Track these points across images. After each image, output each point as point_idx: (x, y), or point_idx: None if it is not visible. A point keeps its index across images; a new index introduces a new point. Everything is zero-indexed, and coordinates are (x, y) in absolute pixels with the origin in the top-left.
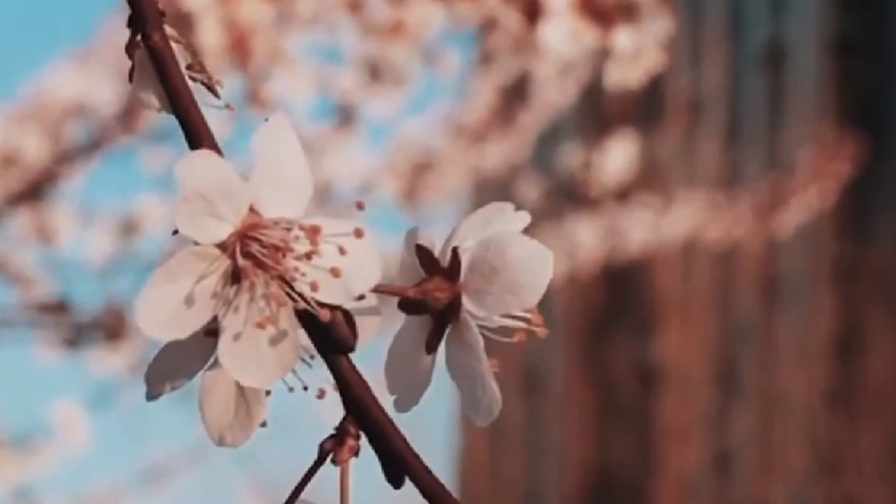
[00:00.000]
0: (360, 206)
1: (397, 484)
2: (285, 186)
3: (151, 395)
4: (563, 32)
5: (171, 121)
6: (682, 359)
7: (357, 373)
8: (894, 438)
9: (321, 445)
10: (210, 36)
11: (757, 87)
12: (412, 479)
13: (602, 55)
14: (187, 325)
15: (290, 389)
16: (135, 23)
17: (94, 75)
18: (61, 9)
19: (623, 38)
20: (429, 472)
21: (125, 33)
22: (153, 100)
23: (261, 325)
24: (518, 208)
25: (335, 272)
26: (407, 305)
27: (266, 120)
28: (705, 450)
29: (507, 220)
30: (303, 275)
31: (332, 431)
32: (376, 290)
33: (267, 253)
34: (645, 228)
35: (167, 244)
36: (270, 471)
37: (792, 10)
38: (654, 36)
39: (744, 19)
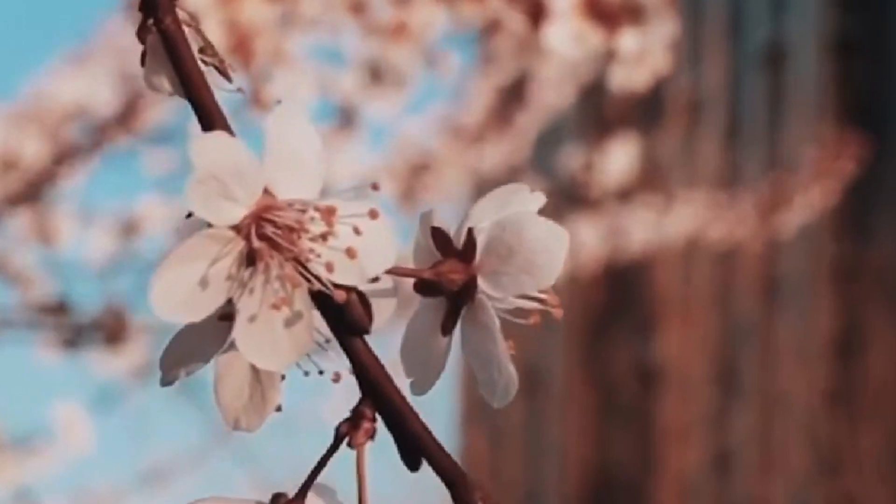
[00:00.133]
0: (375, 188)
1: (414, 466)
2: (299, 168)
3: (166, 381)
4: (567, 34)
5: (171, 121)
6: (682, 359)
7: (373, 355)
8: (894, 438)
9: (337, 429)
10: (212, 36)
11: (757, 87)
12: (429, 462)
13: (603, 56)
14: (202, 308)
15: (306, 374)
16: (147, 7)
17: (93, 76)
18: (60, 9)
19: (628, 39)
20: (446, 454)
21: (124, 33)
22: (165, 84)
23: (276, 307)
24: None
25: (350, 253)
26: (422, 287)
27: (279, 102)
28: (705, 450)
29: (523, 201)
30: (318, 256)
31: (348, 415)
32: (391, 271)
33: (282, 234)
34: (645, 229)
35: (168, 245)
36: (271, 471)
37: (792, 10)
38: (659, 38)
39: (744, 19)
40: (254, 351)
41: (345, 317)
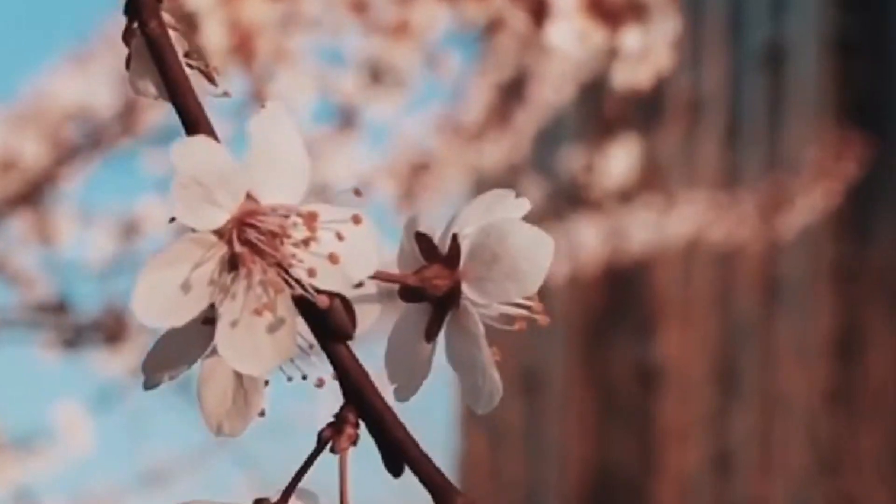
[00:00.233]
0: (357, 194)
1: (397, 472)
2: (282, 173)
3: (149, 385)
4: (570, 32)
5: (171, 122)
6: (682, 359)
7: (356, 361)
8: (894, 438)
9: (320, 434)
10: (213, 36)
11: (757, 87)
12: (411, 468)
13: (605, 55)
14: (184, 312)
15: (289, 379)
16: (132, 10)
17: (93, 77)
18: (60, 9)
19: (631, 37)
20: (429, 460)
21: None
22: (150, 88)
23: (258, 312)
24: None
25: (333, 258)
26: (406, 293)
27: (263, 106)
28: (705, 450)
29: (508, 207)
30: (300, 261)
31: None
32: (375, 277)
33: (264, 239)
34: (646, 229)
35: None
36: (270, 471)
37: (792, 10)
38: (662, 35)
39: (744, 19)
40: (235, 356)
41: (328, 322)
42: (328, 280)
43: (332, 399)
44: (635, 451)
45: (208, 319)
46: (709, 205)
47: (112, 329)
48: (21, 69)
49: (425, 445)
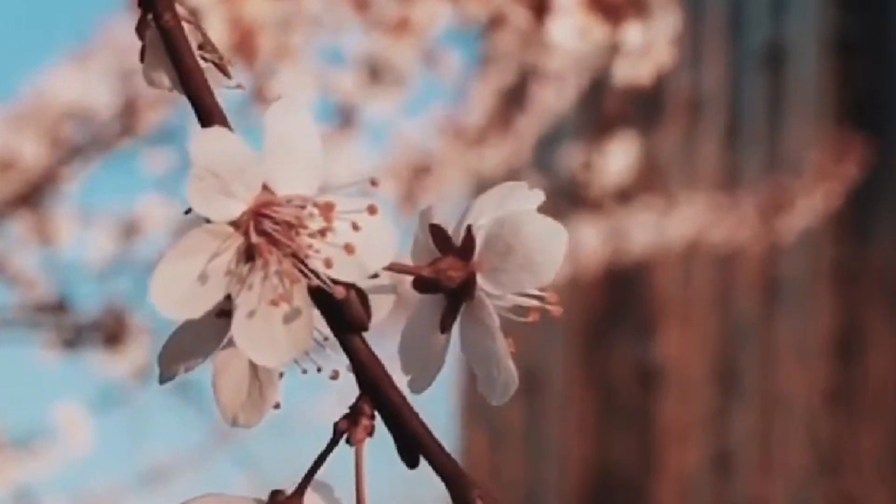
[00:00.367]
0: (374, 183)
1: (412, 464)
2: (298, 164)
3: (165, 378)
4: (571, 29)
5: (171, 121)
6: (682, 359)
7: (371, 352)
8: (894, 438)
9: (336, 425)
10: (215, 33)
11: (757, 87)
12: (427, 459)
13: (606, 52)
14: (201, 304)
15: (304, 371)
16: (146, 2)
17: (92, 76)
18: (60, 9)
19: (632, 33)
20: (444, 452)
21: (124, 33)
22: (164, 80)
23: (275, 303)
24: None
25: (349, 249)
26: (421, 284)
27: (279, 97)
28: (705, 450)
29: (522, 199)
30: (316, 252)
31: (346, 411)
32: (390, 268)
33: (280, 230)
34: (646, 230)
35: (168, 246)
36: (269, 471)
37: (792, 10)
38: (663, 31)
39: (744, 19)
40: (252, 347)
41: (343, 313)
42: (344, 270)
43: (332, 399)
44: (635, 451)
45: (223, 312)
46: (709, 206)
47: (112, 329)
48: (21, 69)
49: None
